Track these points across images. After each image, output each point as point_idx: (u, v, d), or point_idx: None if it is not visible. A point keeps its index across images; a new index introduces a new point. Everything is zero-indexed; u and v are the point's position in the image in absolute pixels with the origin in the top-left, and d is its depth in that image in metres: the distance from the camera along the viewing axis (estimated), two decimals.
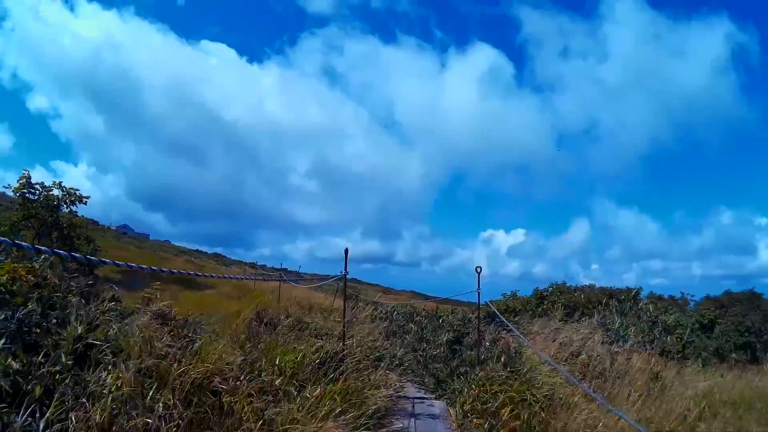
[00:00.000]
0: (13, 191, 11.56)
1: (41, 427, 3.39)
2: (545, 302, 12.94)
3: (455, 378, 6.87)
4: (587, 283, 17.96)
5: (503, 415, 5.30)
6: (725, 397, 6.78)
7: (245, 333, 8.41)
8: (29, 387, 3.66)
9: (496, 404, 5.51)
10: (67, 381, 4.06)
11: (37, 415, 3.47)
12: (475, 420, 5.50)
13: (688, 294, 22.19)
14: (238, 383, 5.24)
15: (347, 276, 6.75)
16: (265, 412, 4.72)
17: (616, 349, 8.29)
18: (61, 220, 12.10)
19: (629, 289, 16.76)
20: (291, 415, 4.69)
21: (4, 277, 4.75)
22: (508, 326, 9.81)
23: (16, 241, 4.12)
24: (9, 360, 3.68)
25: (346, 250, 6.46)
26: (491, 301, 10.41)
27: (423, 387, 7.27)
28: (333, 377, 5.96)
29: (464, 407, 5.79)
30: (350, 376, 5.95)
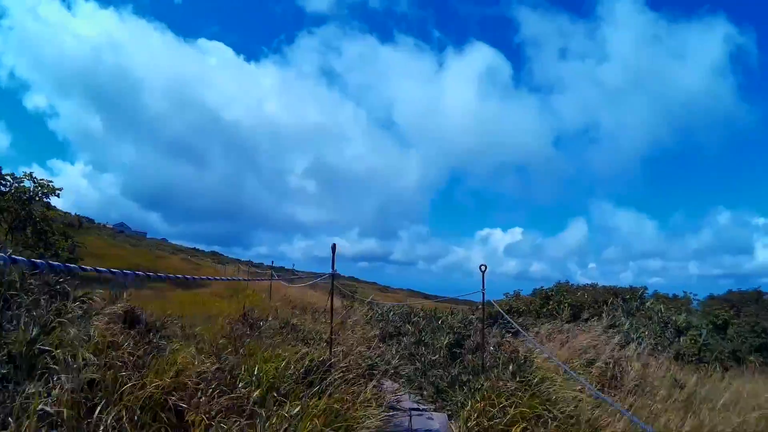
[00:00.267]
0: None
1: None
2: (551, 302, 12.23)
3: (457, 387, 6.15)
4: (588, 283, 17.26)
5: None
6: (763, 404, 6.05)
7: (227, 336, 7.69)
8: None
9: (505, 421, 4.79)
10: None
11: None
12: None
13: (691, 293, 21.50)
14: (204, 398, 4.51)
15: (335, 274, 6.01)
16: None
17: (631, 354, 7.58)
18: (35, 214, 11.34)
19: (634, 288, 16.07)
20: None
21: None
22: (514, 328, 9.09)
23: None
24: None
25: (333, 246, 5.72)
26: (493, 302, 9.70)
27: (421, 396, 6.54)
28: (319, 389, 5.24)
29: (468, 423, 5.07)
30: (338, 389, 5.22)
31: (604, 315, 11.54)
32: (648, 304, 13.84)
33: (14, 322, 5.33)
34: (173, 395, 4.50)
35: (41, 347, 4.88)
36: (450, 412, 5.94)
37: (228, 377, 5.34)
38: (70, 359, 4.62)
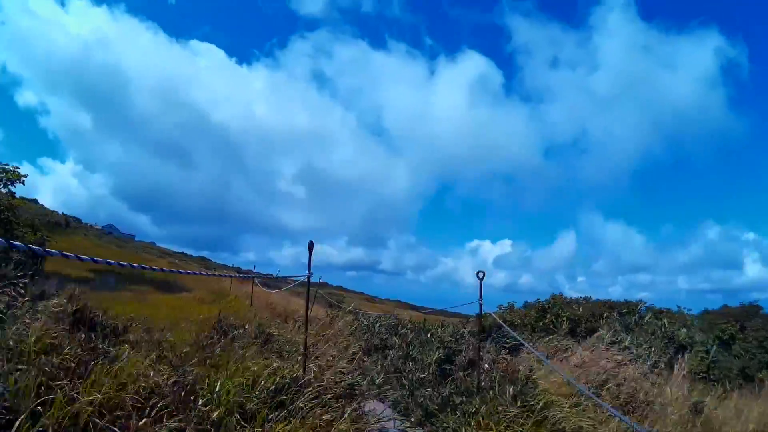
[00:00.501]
0: None
1: None
2: (548, 316, 11.51)
3: (449, 411, 5.39)
4: (578, 296, 16.65)
5: None
6: None
7: (195, 344, 6.87)
8: None
9: None
10: None
11: None
12: None
13: (684, 308, 20.90)
14: (147, 420, 3.72)
15: (311, 277, 5.24)
16: None
17: (639, 373, 6.89)
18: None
19: (629, 302, 15.48)
20: None
21: None
22: (509, 343, 8.38)
23: None
24: None
25: (311, 245, 4.96)
26: (492, 314, 8.97)
27: (407, 421, 5.77)
28: (288, 413, 4.47)
29: None
30: (311, 412, 4.45)
31: (603, 330, 10.86)
32: (647, 318, 13.22)
33: None
34: (108, 414, 3.71)
35: None
36: None
37: (184, 393, 4.56)
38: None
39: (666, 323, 10.90)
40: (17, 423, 3.19)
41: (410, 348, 8.07)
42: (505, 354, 7.51)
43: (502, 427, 4.43)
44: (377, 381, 6.66)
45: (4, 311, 5.02)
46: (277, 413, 4.49)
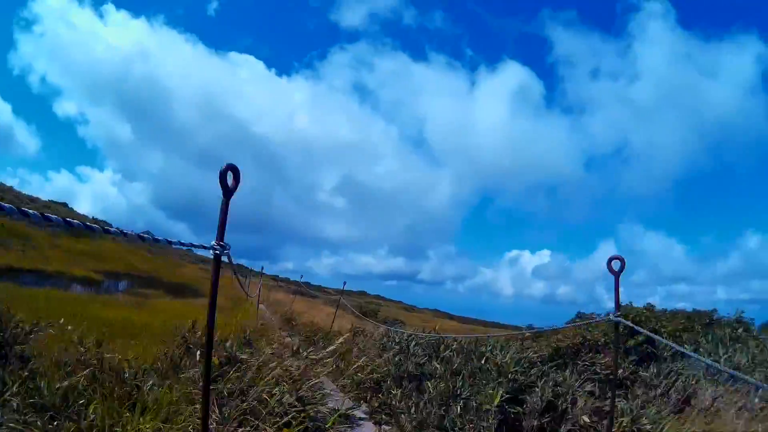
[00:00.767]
0: None
1: None
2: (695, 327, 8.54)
3: None
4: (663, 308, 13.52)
5: None
6: None
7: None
8: None
9: None
10: None
11: None
12: None
13: (747, 318, 17.33)
14: None
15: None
16: None
17: None
18: None
19: (701, 312, 12.30)
20: None
21: None
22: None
23: None
24: None
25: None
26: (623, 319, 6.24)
27: None
28: None
29: None
30: None
31: (720, 346, 7.95)
32: (739, 332, 10.09)
33: None
34: None
35: None
36: None
37: None
38: None
39: None
40: None
41: (457, 380, 5.51)
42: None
43: None
44: None
45: None
46: None
